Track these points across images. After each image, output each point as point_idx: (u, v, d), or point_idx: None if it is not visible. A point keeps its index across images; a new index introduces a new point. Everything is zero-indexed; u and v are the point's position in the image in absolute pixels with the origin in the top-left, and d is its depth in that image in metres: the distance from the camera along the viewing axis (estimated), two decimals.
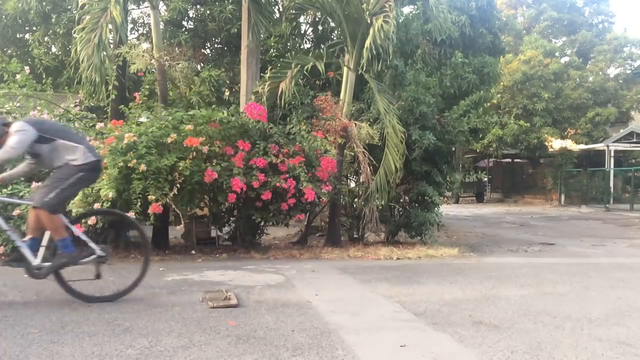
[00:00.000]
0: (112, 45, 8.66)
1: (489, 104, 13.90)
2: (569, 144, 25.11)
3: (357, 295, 4.81)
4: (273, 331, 3.48)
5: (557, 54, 26.66)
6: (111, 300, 4.23)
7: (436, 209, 8.64)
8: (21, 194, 6.26)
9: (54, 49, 13.32)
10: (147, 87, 8.27)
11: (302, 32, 12.28)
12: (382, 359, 3.07)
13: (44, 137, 4.02)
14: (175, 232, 8.08)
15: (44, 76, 8.73)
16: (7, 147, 3.89)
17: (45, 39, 12.83)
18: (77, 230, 4.32)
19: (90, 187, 6.04)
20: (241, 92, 9.04)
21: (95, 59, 7.19)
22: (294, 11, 9.80)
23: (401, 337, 3.42)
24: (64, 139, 4.10)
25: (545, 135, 23.86)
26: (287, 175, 6.77)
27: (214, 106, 8.29)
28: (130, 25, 12.18)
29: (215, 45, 12.73)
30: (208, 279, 5.31)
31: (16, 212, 6.09)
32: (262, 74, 8.84)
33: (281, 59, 9.09)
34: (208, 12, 11.68)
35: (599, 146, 23.71)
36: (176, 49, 9.88)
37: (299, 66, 7.96)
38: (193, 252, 7.17)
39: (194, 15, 12.22)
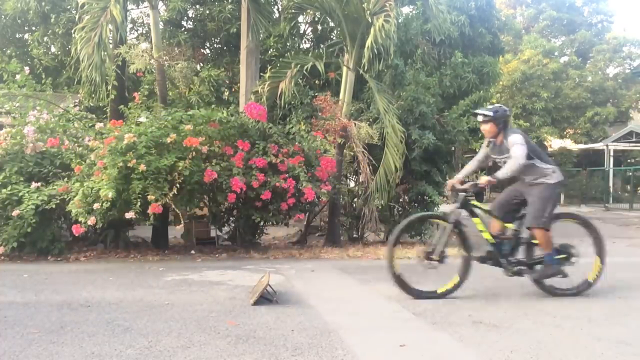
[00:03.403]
0: (111, 45, 8.65)
1: (488, 103, 13.90)
2: (568, 144, 25.14)
3: (356, 295, 4.81)
4: (273, 331, 3.48)
5: (556, 53, 26.70)
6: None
7: (436, 208, 8.64)
8: (20, 194, 6.26)
9: (53, 49, 13.30)
10: (147, 87, 8.27)
11: (302, 31, 12.28)
12: (381, 359, 3.08)
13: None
14: (175, 232, 8.08)
15: (43, 76, 8.72)
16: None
17: (45, 39, 12.82)
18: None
19: (90, 187, 6.08)
20: (240, 92, 9.04)
21: (96, 58, 7.19)
22: (293, 11, 9.78)
23: (401, 336, 3.42)
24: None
25: (545, 135, 23.89)
26: (287, 175, 6.77)
27: (213, 106, 8.30)
28: (129, 25, 12.17)
29: (215, 45, 12.74)
30: (207, 279, 5.31)
31: (15, 212, 6.10)
32: (261, 74, 8.84)
33: (280, 59, 9.09)
34: (207, 12, 11.68)
35: (598, 146, 23.73)
36: (175, 48, 9.89)
37: (299, 66, 7.96)
38: (193, 252, 7.17)
39: (193, 15, 12.22)
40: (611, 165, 22.95)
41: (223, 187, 6.49)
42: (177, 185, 6.18)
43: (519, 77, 23.96)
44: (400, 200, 8.87)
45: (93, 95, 8.77)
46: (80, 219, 6.04)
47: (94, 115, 8.78)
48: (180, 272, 5.62)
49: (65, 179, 6.59)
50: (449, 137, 8.74)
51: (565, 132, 25.47)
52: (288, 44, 11.39)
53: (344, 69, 8.25)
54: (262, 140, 7.01)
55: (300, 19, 11.91)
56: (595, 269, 4.81)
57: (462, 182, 4.70)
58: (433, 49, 11.87)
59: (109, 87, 8.42)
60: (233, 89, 11.80)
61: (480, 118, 4.68)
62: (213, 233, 7.95)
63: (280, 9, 11.97)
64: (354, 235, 8.74)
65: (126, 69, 9.04)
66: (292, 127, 7.77)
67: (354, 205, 8.71)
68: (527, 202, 4.62)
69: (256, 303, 4.15)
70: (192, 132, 6.50)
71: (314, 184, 6.93)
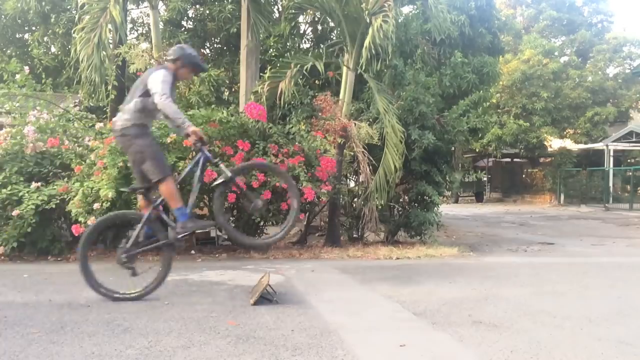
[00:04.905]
0: (111, 45, 8.66)
1: (488, 103, 13.91)
2: (568, 144, 25.13)
3: (356, 295, 4.81)
4: (273, 331, 3.48)
5: (556, 53, 26.67)
6: None
7: (436, 208, 8.64)
8: (20, 194, 6.25)
9: (53, 49, 13.32)
10: None
11: (302, 31, 12.28)
12: (381, 359, 3.08)
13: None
14: None
15: (43, 76, 8.72)
16: None
17: (45, 39, 12.84)
18: None
19: (90, 187, 6.07)
20: (240, 92, 9.04)
21: (95, 59, 7.20)
22: (293, 11, 9.79)
23: (401, 336, 3.42)
24: None
25: (545, 135, 23.87)
26: None
27: (213, 106, 8.28)
28: (129, 25, 12.19)
29: (215, 45, 12.75)
30: (207, 279, 5.32)
31: (15, 212, 6.09)
32: (261, 74, 8.84)
33: (280, 59, 9.09)
34: (207, 12, 11.69)
35: (598, 146, 23.73)
36: None
37: (299, 66, 7.96)
38: (193, 252, 7.17)
39: (193, 15, 12.23)
40: (611, 165, 22.95)
41: None
42: (177, 185, 6.17)
43: (519, 77, 23.94)
44: (400, 200, 8.87)
45: (93, 96, 8.77)
46: (80, 219, 6.03)
47: (94, 115, 8.78)
48: (180, 272, 5.62)
49: (65, 179, 6.59)
50: (449, 137, 8.73)
51: (565, 132, 25.44)
52: (288, 44, 11.39)
53: (344, 69, 8.25)
54: (262, 140, 7.01)
55: (300, 19, 11.92)
56: None
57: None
58: (433, 49, 11.85)
59: (109, 87, 8.43)
60: (233, 89, 11.81)
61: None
62: (213, 233, 7.94)
63: (280, 9, 11.97)
64: (354, 235, 8.74)
65: (126, 69, 9.05)
66: (292, 127, 7.77)
67: (354, 205, 8.71)
68: None
69: (256, 303, 4.15)
70: None
71: (314, 184, 6.93)
